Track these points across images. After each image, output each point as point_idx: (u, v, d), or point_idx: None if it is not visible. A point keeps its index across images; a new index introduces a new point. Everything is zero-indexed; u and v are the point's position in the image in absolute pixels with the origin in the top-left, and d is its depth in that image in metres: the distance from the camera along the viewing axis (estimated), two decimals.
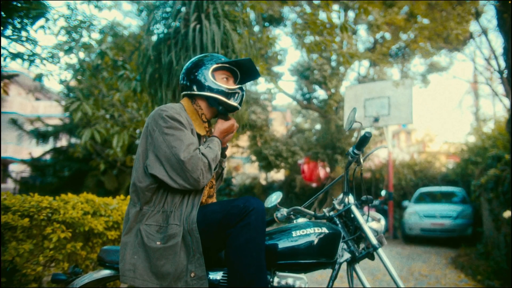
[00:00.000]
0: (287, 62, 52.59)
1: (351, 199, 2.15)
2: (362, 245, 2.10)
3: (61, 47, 5.35)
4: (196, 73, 1.95)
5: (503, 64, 5.69)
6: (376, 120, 12.24)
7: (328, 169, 16.48)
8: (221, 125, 1.93)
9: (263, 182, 19.08)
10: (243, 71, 2.05)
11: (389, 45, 9.19)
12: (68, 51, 4.97)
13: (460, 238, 10.25)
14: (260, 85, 20.00)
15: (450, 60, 12.90)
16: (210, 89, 1.91)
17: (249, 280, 1.64)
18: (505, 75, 5.53)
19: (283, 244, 1.92)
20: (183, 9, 4.24)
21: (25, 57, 5.47)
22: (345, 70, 14.51)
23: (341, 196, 2.20)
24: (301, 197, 15.27)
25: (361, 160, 2.10)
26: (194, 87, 1.94)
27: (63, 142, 12.45)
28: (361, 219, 2.06)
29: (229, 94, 1.94)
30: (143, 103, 6.63)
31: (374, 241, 1.98)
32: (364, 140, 1.97)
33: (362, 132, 2.03)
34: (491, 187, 7.64)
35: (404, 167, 16.14)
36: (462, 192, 12.11)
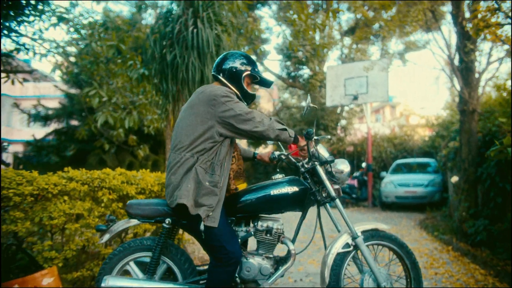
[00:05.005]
0: (273, 41, 52.51)
1: (322, 150, 2.70)
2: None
3: (71, 43, 6.10)
4: (232, 68, 2.52)
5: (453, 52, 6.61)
6: (355, 98, 13.14)
7: (313, 143, 17.41)
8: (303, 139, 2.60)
9: None
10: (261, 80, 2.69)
11: (368, 27, 9.95)
12: (87, 47, 5.73)
13: (430, 203, 11.33)
14: None
15: (425, 41, 13.74)
16: (240, 87, 2.53)
17: None
18: (456, 62, 6.45)
19: (264, 199, 2.55)
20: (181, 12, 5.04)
21: (41, 52, 6.23)
22: (326, 52, 15.27)
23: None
24: (288, 171, 16.23)
25: (314, 137, 2.65)
26: (225, 77, 2.52)
27: (57, 124, 13.01)
28: (323, 176, 2.63)
29: (246, 96, 2.60)
30: (140, 89, 7.42)
31: (332, 193, 2.62)
32: (308, 135, 2.57)
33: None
34: (452, 157, 8.70)
35: (384, 140, 17.06)
36: (435, 163, 13.01)
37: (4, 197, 2.59)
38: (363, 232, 2.69)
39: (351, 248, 2.64)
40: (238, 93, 2.55)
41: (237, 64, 2.55)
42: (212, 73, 2.62)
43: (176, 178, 2.33)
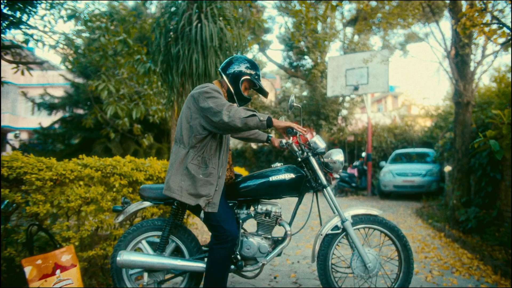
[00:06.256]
0: (275, 30, 52.21)
1: (318, 141, 2.98)
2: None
3: (80, 36, 6.33)
4: (235, 71, 2.76)
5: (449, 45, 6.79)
6: (356, 88, 13.32)
7: (314, 133, 17.69)
8: (282, 122, 2.68)
9: (254, 147, 20.27)
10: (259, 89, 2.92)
11: (368, 19, 10.06)
12: (96, 41, 5.96)
13: (427, 193, 11.58)
14: (249, 54, 20.78)
15: (424, 34, 13.89)
16: (236, 89, 2.77)
17: (215, 282, 2.64)
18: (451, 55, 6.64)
19: (264, 185, 2.83)
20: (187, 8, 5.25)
21: (50, 43, 6.45)
22: (328, 44, 15.41)
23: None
24: (289, 159, 16.53)
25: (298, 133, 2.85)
26: (228, 78, 2.77)
27: (63, 112, 13.29)
28: (315, 165, 2.88)
29: (241, 98, 2.82)
30: (145, 79, 7.65)
31: (324, 181, 2.86)
32: (288, 133, 2.75)
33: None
34: (448, 148, 8.93)
35: (384, 130, 17.28)
36: (433, 153, 13.22)
37: (27, 181, 2.85)
38: (354, 216, 2.94)
39: (340, 230, 2.91)
40: (233, 93, 2.79)
41: (239, 68, 2.78)
42: (219, 70, 2.87)
43: (169, 168, 2.64)
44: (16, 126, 28.36)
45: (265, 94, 2.97)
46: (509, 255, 4.44)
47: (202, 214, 2.70)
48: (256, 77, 2.84)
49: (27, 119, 28.40)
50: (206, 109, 2.53)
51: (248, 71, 2.80)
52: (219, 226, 2.64)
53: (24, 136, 27.53)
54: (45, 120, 13.84)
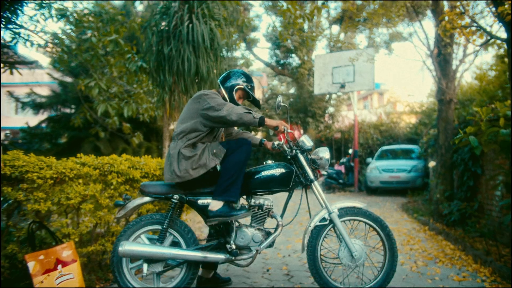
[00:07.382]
0: (262, 29, 52.25)
1: (305, 139, 3.23)
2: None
3: (70, 35, 6.36)
4: (230, 82, 3.20)
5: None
6: (343, 86, 13.54)
7: (302, 131, 17.91)
8: (273, 121, 3.02)
9: None
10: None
11: (353, 19, 10.26)
12: (87, 41, 6.01)
13: (412, 188, 11.86)
14: (236, 52, 20.87)
15: (408, 33, 14.16)
16: (230, 96, 3.17)
17: (230, 181, 2.90)
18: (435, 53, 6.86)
19: (257, 180, 3.04)
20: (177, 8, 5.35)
21: (38, 43, 6.47)
22: (314, 43, 15.59)
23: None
24: (276, 157, 16.68)
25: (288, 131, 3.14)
26: (224, 88, 3.19)
27: (49, 111, 13.18)
28: (303, 161, 3.11)
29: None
30: (135, 78, 7.70)
31: (311, 176, 3.10)
32: (275, 131, 3.08)
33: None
34: (432, 144, 9.21)
35: (371, 127, 17.56)
36: (418, 149, 13.58)
37: (28, 179, 2.94)
38: (340, 209, 3.13)
39: (327, 222, 3.09)
40: (228, 100, 3.15)
41: (234, 80, 3.22)
42: (218, 81, 3.31)
43: (171, 159, 2.91)
44: None
45: (258, 104, 3.36)
46: (488, 245, 4.67)
47: (218, 168, 2.96)
48: (249, 87, 3.23)
49: (10, 118, 28.00)
50: (207, 107, 2.89)
51: (242, 82, 3.21)
52: (235, 142, 3.01)
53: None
54: (31, 119, 13.73)
